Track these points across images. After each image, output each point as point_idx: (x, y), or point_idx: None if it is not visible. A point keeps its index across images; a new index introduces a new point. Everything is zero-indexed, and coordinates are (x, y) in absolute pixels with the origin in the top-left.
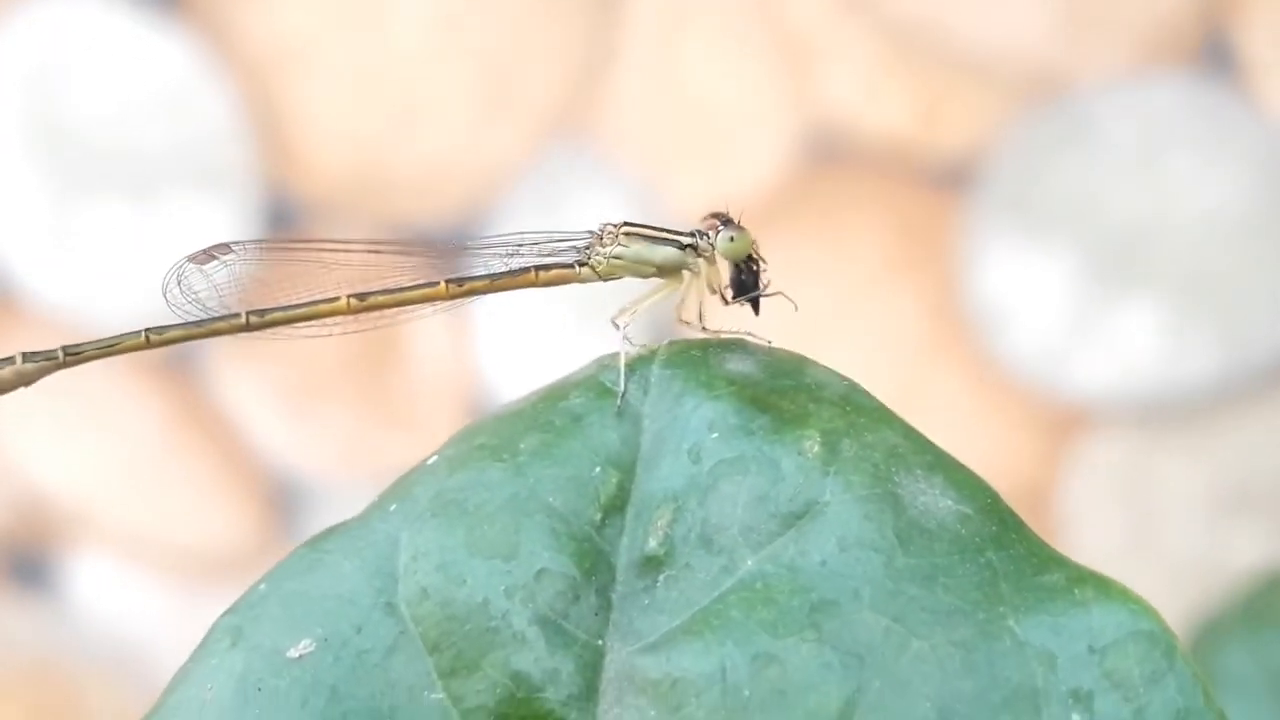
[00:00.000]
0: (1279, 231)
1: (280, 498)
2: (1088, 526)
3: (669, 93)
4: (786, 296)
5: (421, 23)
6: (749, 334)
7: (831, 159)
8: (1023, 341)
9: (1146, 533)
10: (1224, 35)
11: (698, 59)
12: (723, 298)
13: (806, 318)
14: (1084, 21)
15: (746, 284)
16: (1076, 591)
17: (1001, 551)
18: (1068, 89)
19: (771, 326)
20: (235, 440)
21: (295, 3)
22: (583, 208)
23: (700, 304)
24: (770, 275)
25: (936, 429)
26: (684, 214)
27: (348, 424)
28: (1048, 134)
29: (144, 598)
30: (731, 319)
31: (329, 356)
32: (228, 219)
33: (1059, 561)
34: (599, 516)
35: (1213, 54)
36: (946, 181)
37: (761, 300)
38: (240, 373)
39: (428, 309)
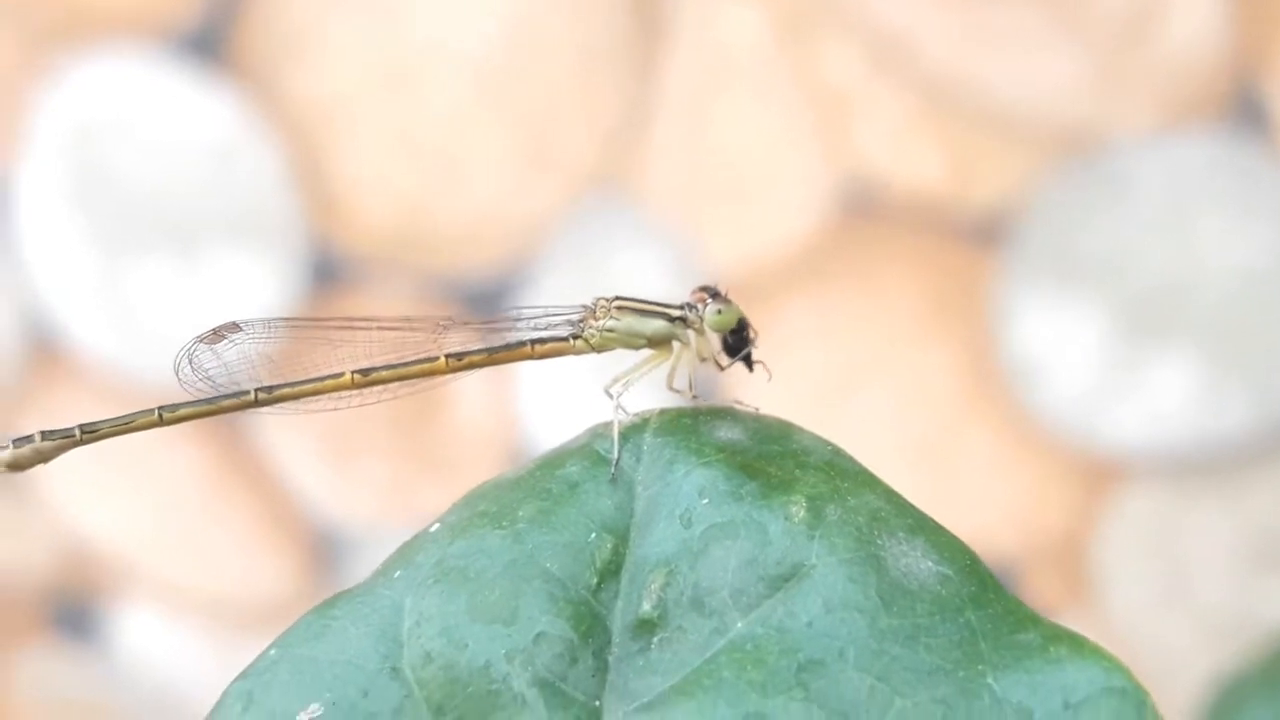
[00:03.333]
0: None
1: (322, 547)
2: (1120, 579)
3: (704, 148)
4: (765, 367)
5: (462, 81)
6: (736, 401)
7: (865, 214)
8: (1056, 395)
9: (1178, 585)
10: (1255, 92)
11: (733, 115)
12: (716, 365)
13: (841, 370)
14: (1116, 78)
15: (735, 347)
16: (1052, 649)
17: (980, 611)
18: (1100, 145)
19: (804, 383)
20: (277, 490)
21: (339, 61)
22: (619, 262)
23: (690, 373)
24: (759, 338)
25: (970, 482)
26: (719, 266)
27: (388, 473)
28: (1080, 189)
29: (187, 646)
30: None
31: (370, 408)
32: (272, 274)
33: (1034, 620)
34: (595, 581)
35: (1244, 111)
36: (979, 236)
37: (755, 360)
38: (282, 423)
39: (430, 383)
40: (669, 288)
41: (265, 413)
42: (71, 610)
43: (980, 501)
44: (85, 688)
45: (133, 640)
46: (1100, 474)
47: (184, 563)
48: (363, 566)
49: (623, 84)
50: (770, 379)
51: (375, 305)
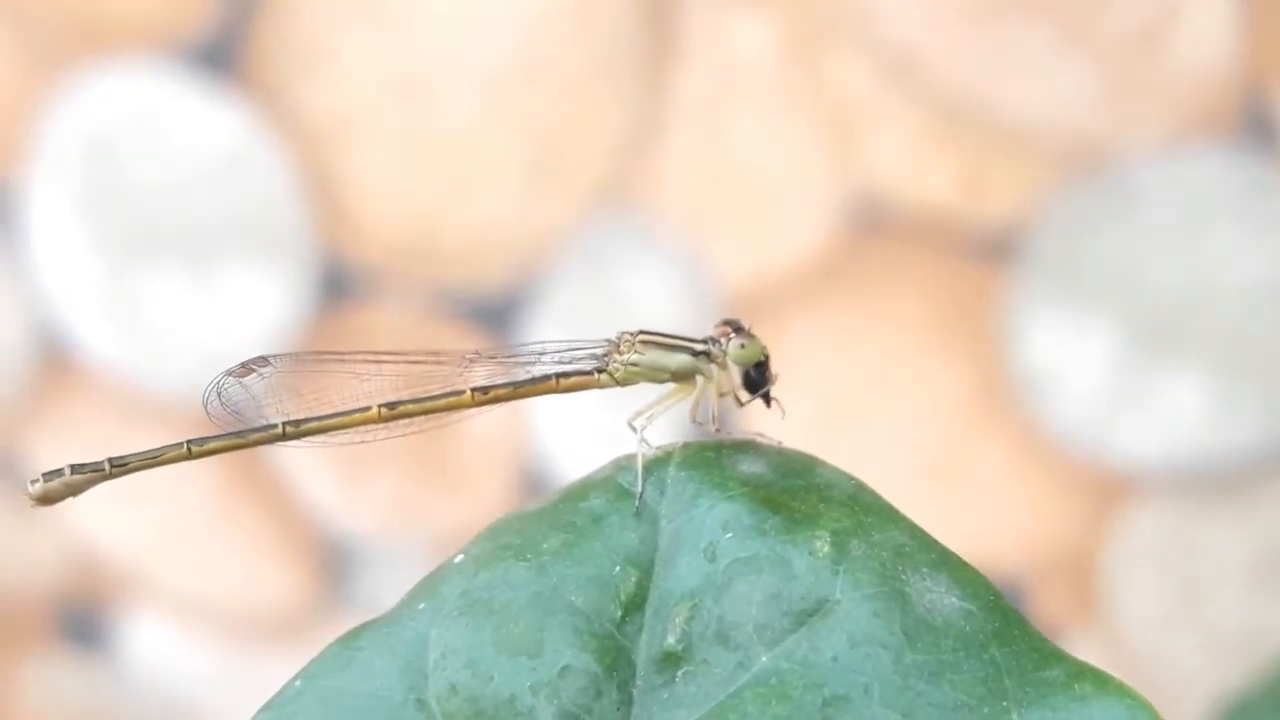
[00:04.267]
0: None
1: (333, 561)
2: (1131, 594)
3: (715, 163)
4: (779, 404)
5: (473, 93)
6: (760, 435)
7: (875, 229)
8: (1066, 410)
9: (1189, 601)
10: (1266, 106)
11: (743, 130)
12: (736, 400)
13: (851, 385)
14: (1127, 93)
15: (755, 383)
16: (1076, 686)
17: (1005, 648)
18: (1110, 160)
19: (814, 399)
20: (288, 504)
21: (350, 73)
22: (629, 276)
23: (714, 407)
24: (779, 373)
25: (980, 497)
26: (729, 282)
27: (400, 488)
28: (1091, 204)
29: (197, 659)
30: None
31: None
32: (282, 286)
33: (1059, 657)
34: (620, 614)
35: (1256, 125)
36: (990, 252)
37: (773, 397)
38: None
39: (455, 416)
40: (679, 303)
41: (292, 447)
42: (80, 619)
43: (990, 517)
44: (93, 697)
45: (141, 650)
46: (1111, 490)
47: (193, 573)
48: (372, 579)
49: (633, 98)
50: (785, 417)
51: (385, 317)
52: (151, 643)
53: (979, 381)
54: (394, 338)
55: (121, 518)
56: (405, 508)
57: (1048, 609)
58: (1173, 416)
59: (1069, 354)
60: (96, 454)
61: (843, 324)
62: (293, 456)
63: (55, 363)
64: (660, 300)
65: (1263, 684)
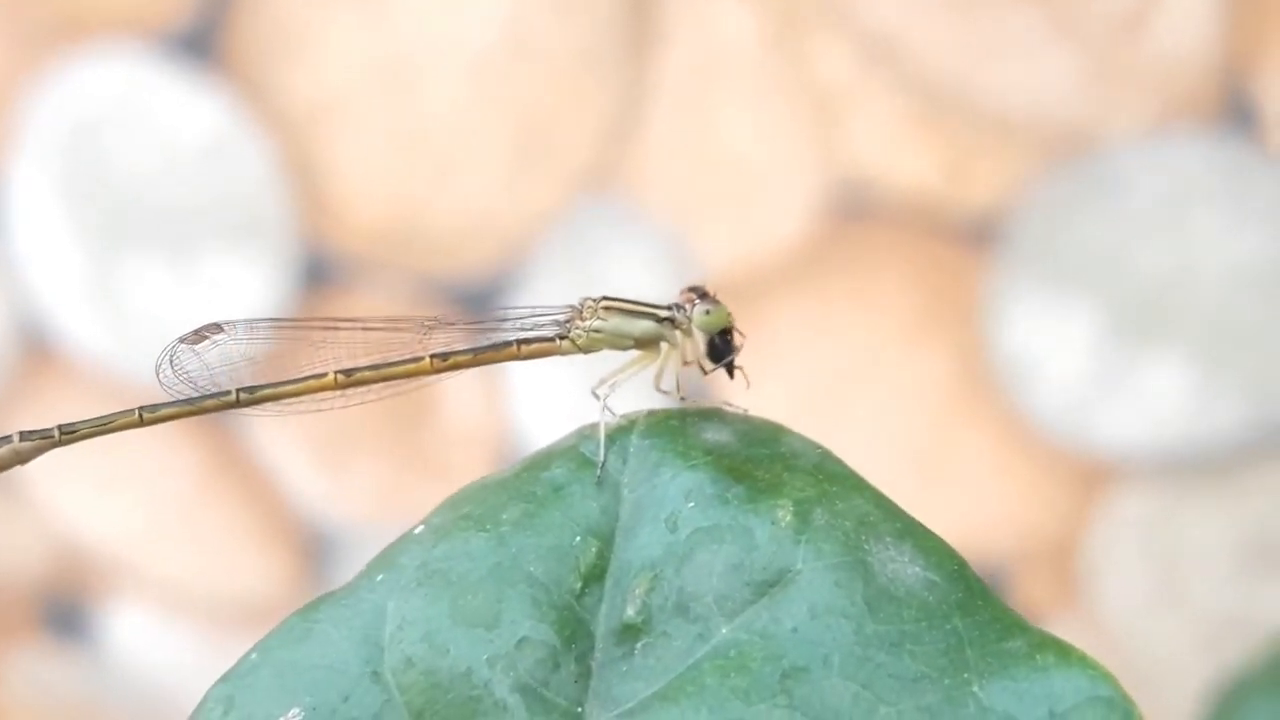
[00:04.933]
0: None
1: (314, 547)
2: (1113, 580)
3: (698, 149)
4: (743, 373)
5: (456, 79)
6: (726, 403)
7: (858, 214)
8: (1049, 396)
9: (1172, 587)
10: (1247, 93)
11: (727, 116)
12: (701, 368)
13: (834, 371)
14: (1109, 79)
15: (719, 352)
16: (1038, 657)
17: (967, 618)
18: (1093, 145)
19: (797, 385)
20: (270, 490)
21: (331, 59)
22: (614, 260)
23: (677, 374)
24: (744, 342)
25: (962, 483)
26: (712, 267)
27: (381, 474)
28: (1073, 190)
29: (179, 646)
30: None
31: (362, 406)
32: (263, 273)
33: (1022, 628)
34: (579, 585)
35: (1236, 111)
36: (973, 237)
37: (741, 367)
38: (273, 423)
39: (414, 384)
40: (662, 288)
41: (247, 414)
42: (62, 609)
43: (972, 503)
44: (76, 686)
45: (123, 639)
46: (1093, 475)
47: (175, 562)
48: (353, 566)
49: (617, 83)
50: (749, 387)
51: (367, 305)
52: (134, 631)
53: (961, 367)
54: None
55: (103, 508)
56: (386, 494)
57: (1030, 594)
58: (1155, 401)
59: (1052, 339)
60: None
61: (826, 310)
62: (272, 443)
63: (36, 350)
64: (644, 286)
65: (1261, 664)
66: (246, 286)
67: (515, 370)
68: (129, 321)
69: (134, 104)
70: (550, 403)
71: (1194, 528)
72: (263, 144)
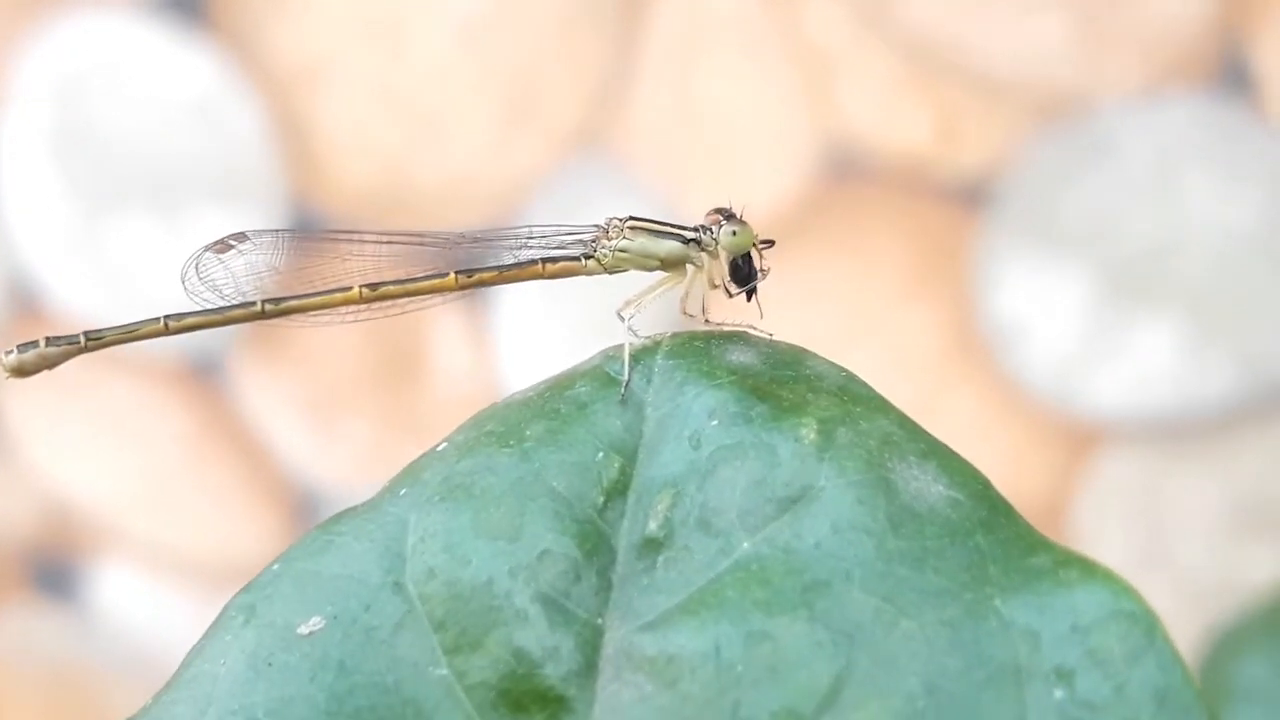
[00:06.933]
0: None
1: (303, 507)
2: (1102, 543)
3: (689, 108)
4: (758, 303)
5: (444, 38)
6: (751, 326)
7: (849, 175)
8: (1039, 358)
9: (1161, 549)
10: (1241, 55)
11: (717, 75)
12: (726, 291)
13: (824, 331)
14: (1102, 41)
15: (743, 274)
16: (1061, 573)
17: (990, 535)
18: (1085, 108)
19: (791, 339)
20: (258, 451)
21: (320, 17)
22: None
23: (704, 297)
24: (768, 264)
25: (952, 442)
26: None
27: (370, 434)
28: (1065, 152)
29: (167, 605)
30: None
31: (352, 366)
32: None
33: (1046, 545)
34: (601, 500)
35: (1230, 74)
36: (964, 199)
37: (759, 293)
38: (264, 384)
39: (439, 299)
40: None
41: (273, 325)
42: (51, 569)
43: None
44: (64, 646)
45: (112, 599)
46: (1082, 438)
47: (165, 522)
48: None
49: (607, 42)
50: (762, 317)
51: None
52: (122, 591)
53: (951, 328)
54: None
55: (92, 467)
56: (374, 453)
57: None
58: (1144, 364)
59: (1042, 302)
60: (66, 398)
61: (815, 270)
62: (262, 404)
63: (25, 307)
64: None
65: (1253, 615)
66: None
67: (503, 326)
68: (117, 278)
69: (122, 61)
70: (539, 359)
71: (1182, 490)
72: (251, 102)
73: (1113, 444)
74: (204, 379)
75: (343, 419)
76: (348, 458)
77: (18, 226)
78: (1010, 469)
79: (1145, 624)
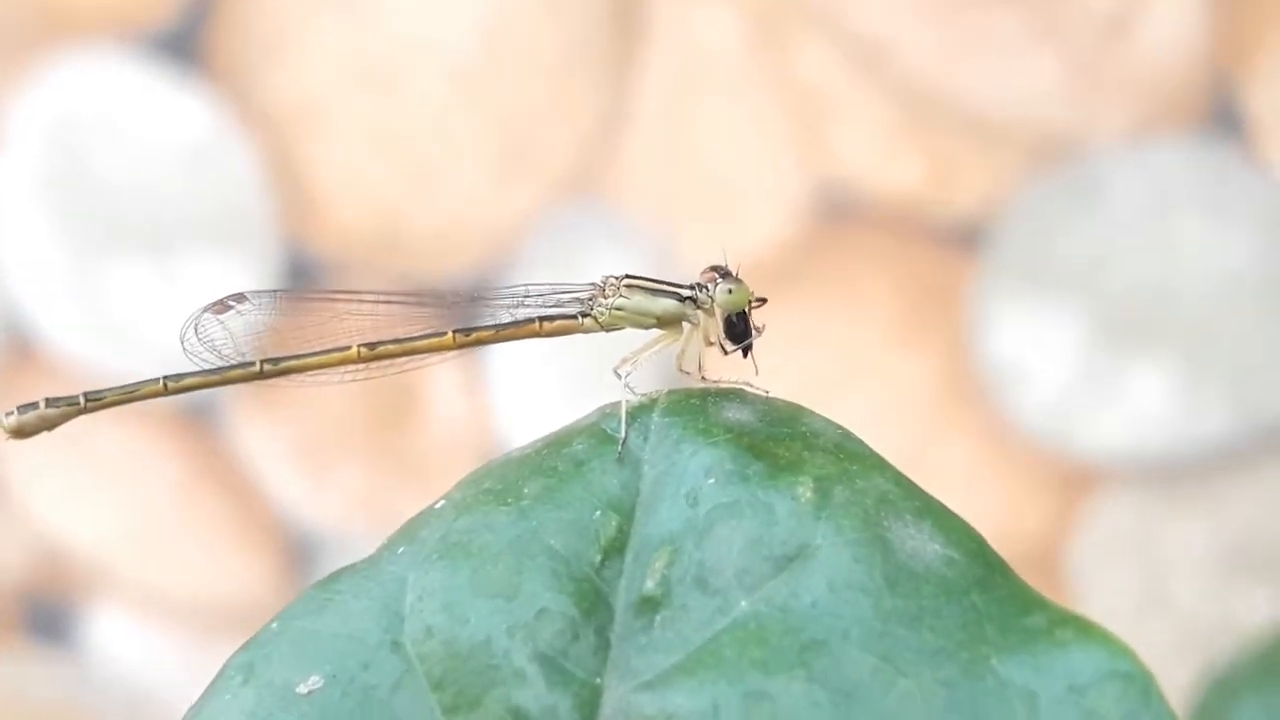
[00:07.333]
0: None
1: (296, 551)
2: (1098, 585)
3: (681, 152)
4: (754, 360)
5: (439, 83)
6: (747, 384)
7: (842, 219)
8: (1033, 401)
9: (1156, 592)
10: (1231, 98)
11: (710, 119)
12: (721, 348)
13: (817, 376)
14: (1093, 84)
15: (738, 332)
16: (1058, 633)
17: (986, 594)
18: (1078, 151)
19: (784, 385)
20: (252, 494)
21: (315, 62)
22: (596, 265)
23: (700, 354)
24: (762, 323)
25: (947, 488)
26: (697, 270)
27: (363, 478)
28: (1058, 195)
29: (161, 649)
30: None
31: (345, 411)
32: (246, 275)
33: (1041, 604)
34: (599, 558)
35: (1221, 116)
36: (957, 242)
37: (754, 351)
38: (257, 428)
39: (436, 358)
40: None
41: (270, 385)
42: (45, 613)
43: (956, 508)
44: (58, 689)
45: (104, 642)
46: (1077, 480)
47: (157, 566)
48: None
49: (600, 86)
50: (758, 374)
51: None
52: (115, 634)
53: (946, 372)
54: (358, 327)
55: (85, 510)
56: (368, 499)
57: None
58: (1139, 407)
59: (1036, 344)
60: (59, 442)
61: (809, 314)
62: (255, 447)
63: (18, 350)
64: None
65: (1247, 659)
66: (229, 287)
67: (497, 373)
68: (111, 322)
69: (117, 104)
70: (531, 407)
71: (1178, 532)
72: (245, 145)
73: (1107, 487)
74: (197, 423)
75: (336, 464)
76: (340, 503)
77: (11, 270)
78: (1005, 513)
79: (1141, 684)
